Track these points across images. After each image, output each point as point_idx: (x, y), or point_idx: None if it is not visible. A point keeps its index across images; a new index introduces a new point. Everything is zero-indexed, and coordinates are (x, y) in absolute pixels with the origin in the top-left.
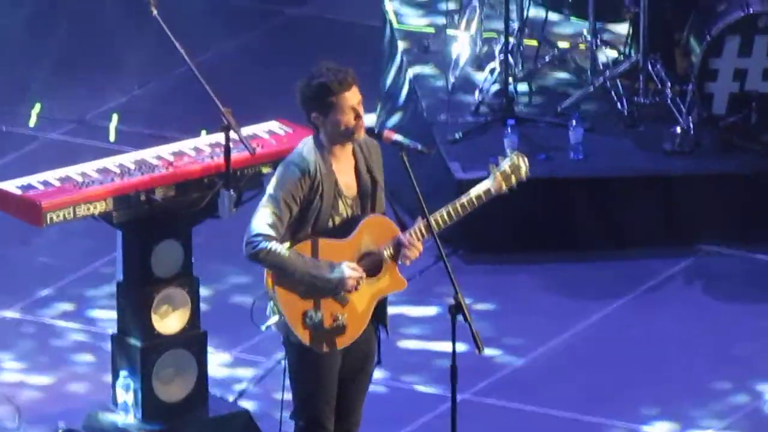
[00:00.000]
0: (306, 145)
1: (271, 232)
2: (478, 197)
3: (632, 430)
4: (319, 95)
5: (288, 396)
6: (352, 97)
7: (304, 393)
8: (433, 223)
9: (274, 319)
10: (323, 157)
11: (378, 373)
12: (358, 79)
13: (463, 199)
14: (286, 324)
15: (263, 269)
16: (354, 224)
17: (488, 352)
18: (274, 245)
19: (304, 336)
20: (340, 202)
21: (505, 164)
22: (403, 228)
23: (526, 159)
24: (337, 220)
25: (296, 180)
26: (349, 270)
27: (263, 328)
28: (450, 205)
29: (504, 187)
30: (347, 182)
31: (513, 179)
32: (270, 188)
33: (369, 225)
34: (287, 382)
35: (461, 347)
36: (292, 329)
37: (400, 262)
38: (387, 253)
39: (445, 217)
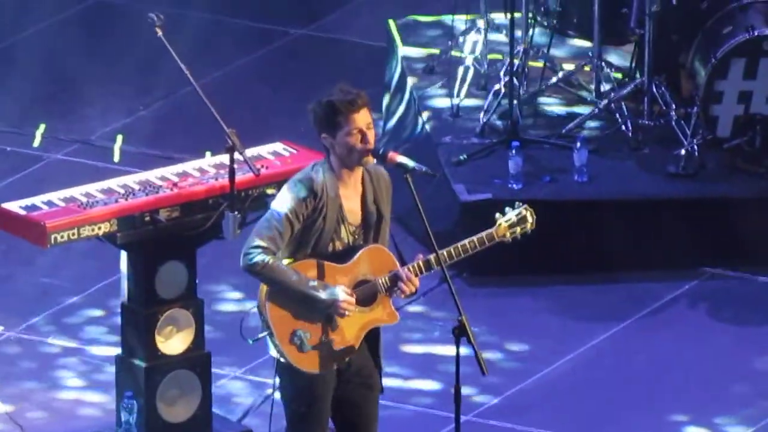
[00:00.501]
0: (315, 166)
1: (270, 246)
2: (481, 241)
3: None
4: (327, 114)
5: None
6: (361, 119)
7: (296, 416)
8: (442, 256)
9: (264, 333)
10: (331, 180)
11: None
12: (369, 103)
13: (465, 242)
14: (268, 340)
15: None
16: (354, 252)
17: (492, 370)
18: (270, 259)
19: (289, 352)
20: (342, 228)
21: (512, 215)
22: (403, 263)
23: (533, 214)
24: (338, 245)
25: (301, 199)
26: (344, 294)
27: (251, 342)
28: (452, 246)
29: (508, 236)
30: (352, 209)
31: (518, 230)
32: (274, 204)
33: (369, 254)
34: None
35: (465, 369)
36: (278, 344)
37: (394, 296)
38: (382, 283)
39: (445, 256)
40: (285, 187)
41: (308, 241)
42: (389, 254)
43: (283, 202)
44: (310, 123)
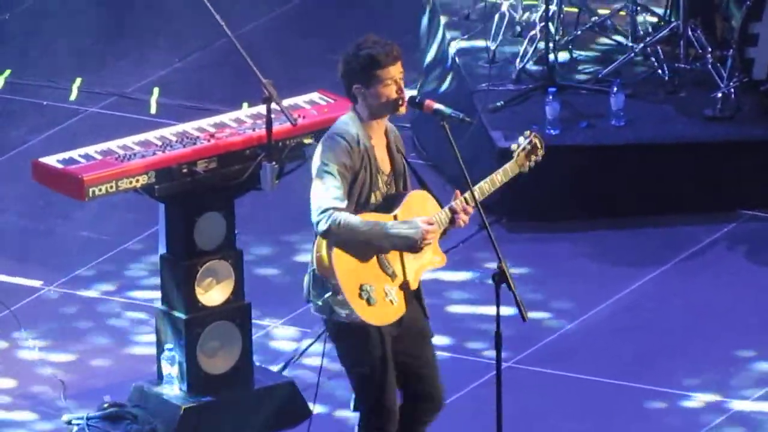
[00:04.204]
0: (346, 117)
1: (338, 204)
2: (506, 173)
3: (675, 399)
4: (365, 67)
5: (327, 364)
6: (396, 71)
7: (363, 379)
8: (477, 194)
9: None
10: (362, 131)
11: None
12: (402, 54)
13: (493, 175)
14: (330, 304)
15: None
16: (396, 199)
17: (533, 316)
18: (344, 216)
19: (358, 307)
20: (379, 178)
21: (525, 143)
22: (440, 204)
23: (542, 140)
24: (378, 195)
25: (345, 149)
26: (425, 225)
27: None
28: (483, 181)
29: (526, 166)
30: (383, 158)
31: (532, 159)
32: (319, 162)
33: (413, 199)
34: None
35: (506, 312)
36: (349, 302)
37: (453, 227)
38: (438, 220)
39: (479, 191)
40: (323, 144)
41: (353, 194)
42: (431, 197)
43: (328, 157)
44: (339, 73)
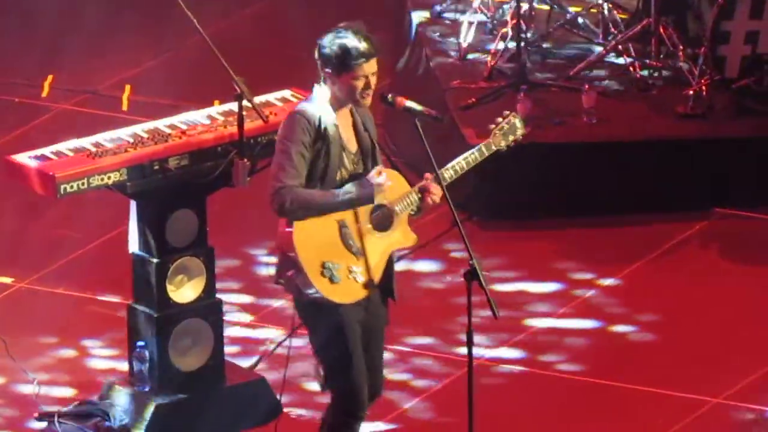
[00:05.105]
0: (311, 96)
1: (293, 182)
2: (480, 153)
3: (650, 396)
4: (338, 56)
5: (298, 358)
6: (369, 67)
7: (333, 360)
8: (451, 172)
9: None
10: (327, 109)
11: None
12: (379, 51)
13: (466, 154)
14: (296, 283)
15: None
16: (362, 179)
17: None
18: (298, 190)
19: (321, 286)
20: (344, 156)
21: (503, 123)
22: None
23: (522, 120)
24: (344, 173)
25: (303, 126)
26: (376, 178)
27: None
28: (455, 161)
29: (503, 145)
30: (348, 137)
31: (510, 139)
32: (279, 141)
33: None
34: (295, 344)
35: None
36: (310, 280)
37: (424, 206)
38: (411, 200)
39: (451, 172)
40: (282, 125)
41: (317, 172)
42: (400, 176)
43: (286, 135)
44: (315, 53)
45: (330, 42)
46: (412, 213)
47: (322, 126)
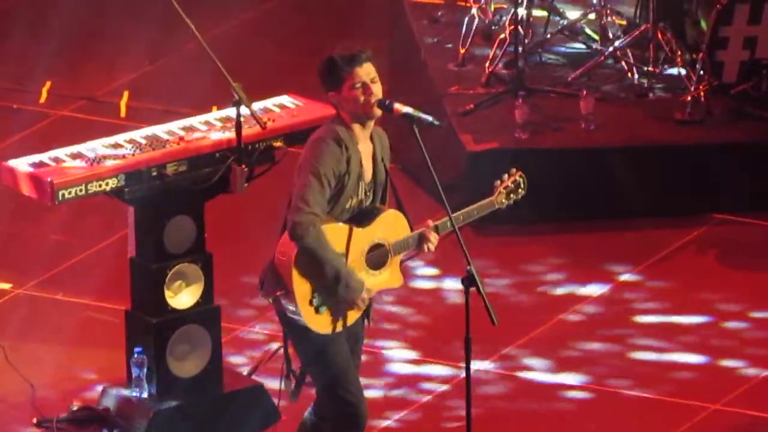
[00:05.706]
0: (333, 122)
1: (318, 209)
2: (482, 208)
3: (651, 403)
4: (329, 70)
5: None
6: (364, 72)
7: (321, 376)
8: (454, 219)
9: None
10: (348, 135)
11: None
12: (373, 58)
13: (471, 207)
14: (281, 301)
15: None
16: (369, 214)
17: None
18: (321, 236)
19: (306, 313)
20: (360, 184)
21: (508, 181)
22: (411, 228)
23: (525, 179)
24: (354, 201)
25: (336, 154)
26: (367, 293)
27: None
28: (460, 212)
29: (504, 203)
30: (366, 167)
31: (512, 197)
32: (309, 164)
33: (387, 218)
34: (291, 353)
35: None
36: (298, 307)
37: (409, 258)
38: (406, 243)
39: (452, 222)
40: (312, 147)
41: (332, 197)
42: (404, 219)
43: (318, 161)
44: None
45: (320, 63)
46: (404, 258)
47: (349, 153)
